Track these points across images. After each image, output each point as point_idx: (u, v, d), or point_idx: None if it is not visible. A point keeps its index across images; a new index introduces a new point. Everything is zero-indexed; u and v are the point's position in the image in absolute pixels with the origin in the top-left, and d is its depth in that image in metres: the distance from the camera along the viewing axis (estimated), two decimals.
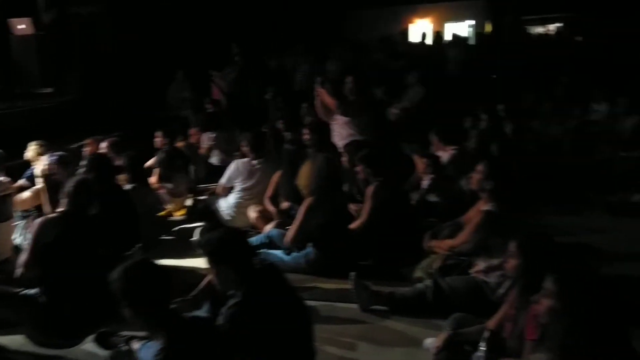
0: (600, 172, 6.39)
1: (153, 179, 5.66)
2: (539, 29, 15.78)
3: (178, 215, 5.77)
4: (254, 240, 4.44)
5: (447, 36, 12.29)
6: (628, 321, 2.19)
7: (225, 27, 10.71)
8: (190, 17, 10.78)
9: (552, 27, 15.71)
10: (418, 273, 3.92)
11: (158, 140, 6.17)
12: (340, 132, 5.75)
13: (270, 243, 4.45)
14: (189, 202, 5.96)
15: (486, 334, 2.66)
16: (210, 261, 2.68)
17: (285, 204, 4.98)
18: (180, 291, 3.16)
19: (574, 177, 6.37)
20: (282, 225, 4.66)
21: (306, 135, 5.42)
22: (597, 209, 5.59)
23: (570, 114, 7.93)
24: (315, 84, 6.09)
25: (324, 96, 5.94)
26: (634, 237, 4.84)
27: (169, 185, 5.75)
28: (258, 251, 3.79)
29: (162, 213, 5.65)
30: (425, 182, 5.05)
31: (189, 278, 3.79)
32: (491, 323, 2.81)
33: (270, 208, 5.02)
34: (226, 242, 2.66)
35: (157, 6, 10.47)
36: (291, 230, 4.33)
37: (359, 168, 4.64)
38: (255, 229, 4.97)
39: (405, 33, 14.33)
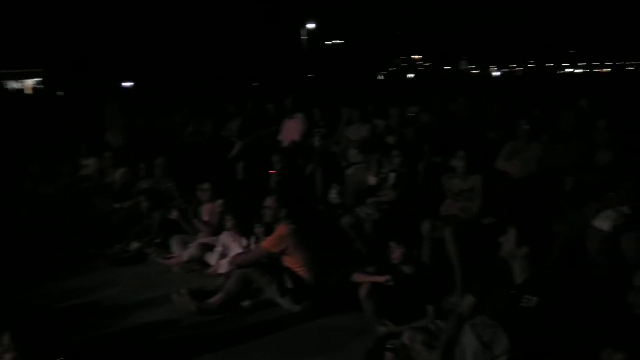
0: (97, 225, 6.57)
1: None
2: (16, 84, 15.14)
3: None
4: None
5: None
6: None
7: None
8: None
9: (30, 82, 15.38)
10: None
11: None
12: None
13: None
14: None
15: None
16: None
17: None
18: None
19: (74, 234, 6.36)
20: None
21: None
22: (100, 263, 5.66)
23: (61, 171, 7.90)
24: None
25: None
26: (139, 283, 5.13)
27: None
28: None
29: None
30: None
31: None
32: None
33: None
34: None
35: None
36: None
37: None
38: None
39: None
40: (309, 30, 42.69)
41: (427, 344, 3.25)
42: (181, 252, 5.42)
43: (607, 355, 2.46)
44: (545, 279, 3.09)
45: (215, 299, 4.30)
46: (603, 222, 3.92)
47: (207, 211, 5.67)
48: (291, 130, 7.97)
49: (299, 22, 42.23)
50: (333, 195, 6.15)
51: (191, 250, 5.31)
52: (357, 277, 3.87)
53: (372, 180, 5.75)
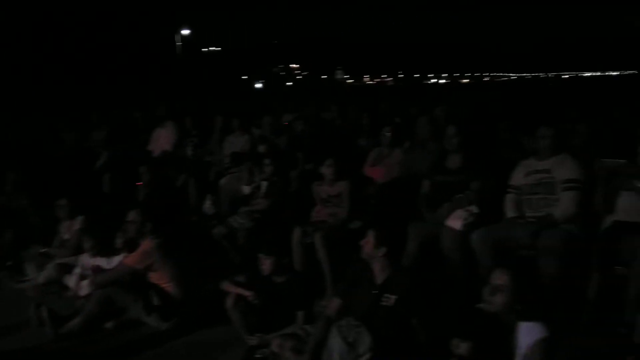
0: None
1: None
2: None
3: None
4: None
5: None
6: None
7: None
8: None
9: None
10: None
11: None
12: None
13: None
14: None
15: None
16: None
17: None
18: None
19: None
20: None
21: None
22: None
23: None
24: None
25: None
26: None
27: None
28: None
29: None
30: None
31: None
32: None
33: None
34: None
35: None
36: None
37: None
38: None
39: None
40: (184, 37, 41.60)
41: (297, 349, 3.30)
42: (37, 274, 4.98)
43: (454, 345, 2.66)
44: (402, 278, 3.27)
45: (74, 322, 4.01)
46: (455, 222, 4.24)
47: (66, 229, 5.28)
48: (162, 139, 7.71)
49: (173, 28, 41.03)
50: (207, 205, 6.04)
51: (48, 272, 4.88)
52: (226, 287, 3.82)
53: (245, 189, 5.74)
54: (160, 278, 4.10)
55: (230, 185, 6.27)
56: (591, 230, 3.97)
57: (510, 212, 4.21)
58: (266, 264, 3.69)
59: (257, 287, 3.71)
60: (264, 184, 5.44)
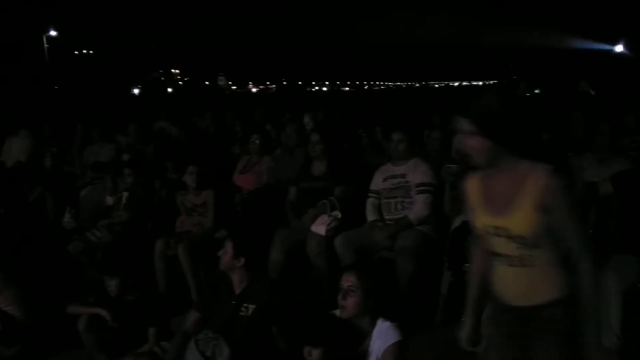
0: None
1: None
2: None
3: None
4: None
5: None
6: None
7: None
8: None
9: None
10: None
11: None
12: None
13: None
14: None
15: None
16: None
17: None
18: None
19: None
20: None
21: None
22: None
23: None
24: None
25: None
26: None
27: None
28: None
29: None
30: None
31: None
32: None
33: None
34: None
35: None
36: None
37: None
38: None
39: None
40: (53, 38, 38.64)
41: None
42: None
43: (306, 352, 2.68)
44: (261, 287, 3.24)
45: None
46: (319, 227, 4.31)
47: None
48: (15, 149, 7.07)
49: (41, 29, 37.96)
50: (67, 219, 5.59)
51: None
52: (74, 309, 3.55)
53: (109, 200, 5.42)
54: (2, 301, 3.71)
55: (91, 197, 5.88)
56: (442, 230, 4.24)
57: (370, 216, 4.36)
58: (111, 286, 3.48)
59: (108, 307, 3.48)
60: (125, 194, 5.16)
